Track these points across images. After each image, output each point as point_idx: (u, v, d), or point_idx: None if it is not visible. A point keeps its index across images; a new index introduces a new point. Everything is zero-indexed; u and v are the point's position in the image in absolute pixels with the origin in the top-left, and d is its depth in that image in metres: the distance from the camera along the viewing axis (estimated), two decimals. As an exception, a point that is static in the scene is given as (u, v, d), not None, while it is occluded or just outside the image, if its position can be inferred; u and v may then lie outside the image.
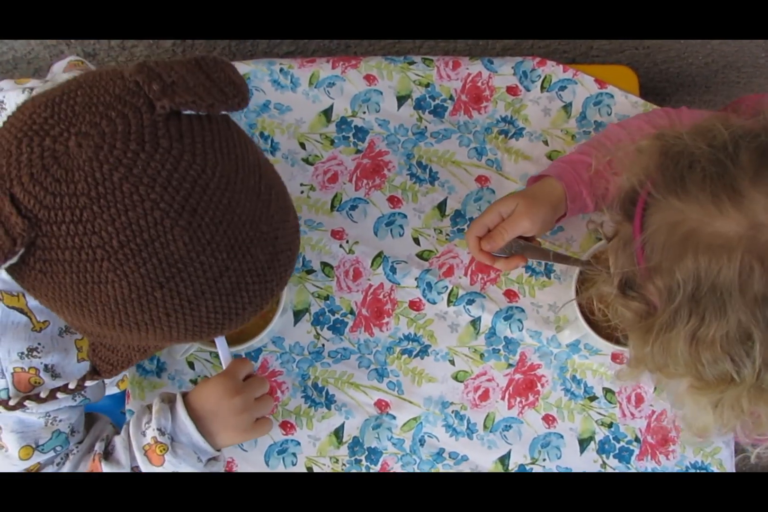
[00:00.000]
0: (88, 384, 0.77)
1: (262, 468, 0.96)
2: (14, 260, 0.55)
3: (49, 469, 0.81)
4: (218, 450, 0.84)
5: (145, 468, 0.80)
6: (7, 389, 0.75)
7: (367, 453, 0.96)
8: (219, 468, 0.85)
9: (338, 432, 0.96)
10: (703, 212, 0.62)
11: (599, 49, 1.24)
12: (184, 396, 0.84)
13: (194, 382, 0.97)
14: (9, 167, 0.55)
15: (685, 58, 1.26)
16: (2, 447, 0.78)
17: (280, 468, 0.96)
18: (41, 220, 0.54)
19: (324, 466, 0.96)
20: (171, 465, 0.79)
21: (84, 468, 0.82)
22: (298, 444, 0.96)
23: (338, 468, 0.96)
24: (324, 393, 0.97)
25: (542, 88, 1.05)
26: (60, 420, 0.80)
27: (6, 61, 1.16)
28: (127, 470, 0.80)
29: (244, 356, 0.97)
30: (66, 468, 0.82)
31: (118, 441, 0.82)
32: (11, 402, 0.74)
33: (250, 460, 0.96)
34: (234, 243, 0.57)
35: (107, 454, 0.82)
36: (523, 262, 0.93)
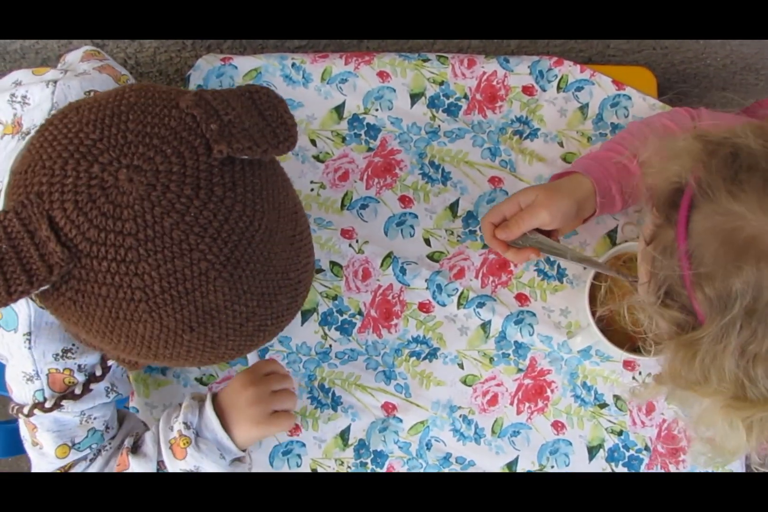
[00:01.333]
0: (110, 363, 0.76)
1: (266, 470, 0.95)
2: (46, 286, 0.54)
3: (81, 465, 0.81)
4: (243, 451, 0.83)
5: (169, 462, 0.79)
6: (43, 390, 0.74)
7: (372, 455, 0.95)
8: (244, 469, 0.84)
9: (344, 434, 0.95)
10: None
11: (616, 48, 1.22)
12: (215, 395, 0.84)
13: (199, 380, 0.96)
14: (50, 187, 0.53)
15: (703, 58, 1.24)
16: (37, 444, 0.78)
17: (285, 470, 0.95)
18: (81, 252, 0.52)
19: (329, 468, 0.95)
20: (193, 458, 0.79)
21: (114, 463, 0.82)
22: (303, 445, 0.95)
23: (343, 471, 0.95)
24: (330, 395, 0.96)
25: (558, 88, 1.04)
26: (95, 418, 0.79)
27: (14, 50, 1.15)
28: (154, 463, 0.80)
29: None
30: (97, 464, 0.81)
31: (148, 435, 0.82)
32: (47, 404, 0.74)
33: (254, 461, 0.93)
34: (265, 292, 0.57)
35: (136, 448, 0.82)
36: (535, 255, 0.90)
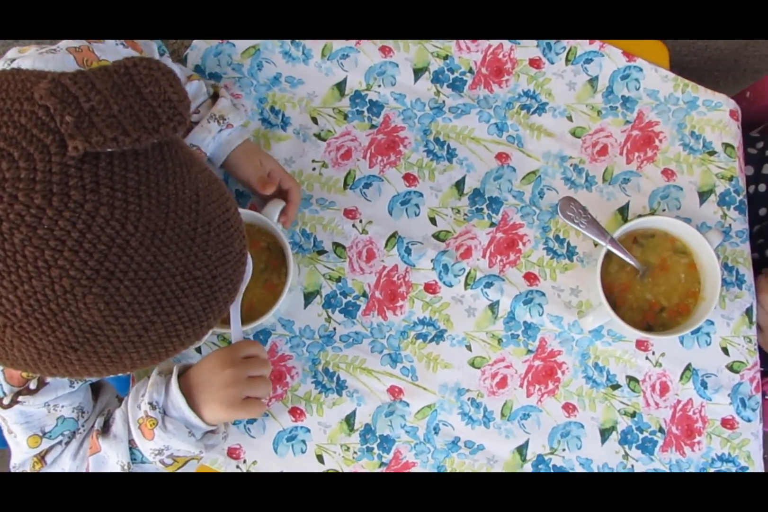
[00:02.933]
0: None
1: (270, 455, 0.92)
2: None
3: (57, 449, 0.79)
4: (214, 425, 0.81)
5: (139, 441, 0.77)
6: (1, 385, 0.73)
7: (379, 441, 0.93)
8: (217, 440, 0.81)
9: (350, 419, 0.93)
10: None
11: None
12: (187, 368, 0.81)
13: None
14: None
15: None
16: (12, 432, 0.77)
17: (289, 456, 0.93)
18: None
19: (335, 454, 0.93)
20: (161, 439, 0.76)
21: (88, 444, 0.80)
22: (308, 431, 0.93)
23: (349, 456, 0.93)
24: (335, 379, 0.94)
25: (567, 61, 1.01)
26: (62, 407, 0.78)
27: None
28: (125, 444, 0.77)
29: (252, 338, 0.94)
30: (72, 447, 0.80)
31: (118, 414, 0.80)
32: (5, 401, 0.72)
33: (258, 447, 0.93)
34: (161, 299, 0.50)
35: (107, 428, 0.80)
36: None
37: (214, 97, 0.93)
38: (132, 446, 0.78)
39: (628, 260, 0.90)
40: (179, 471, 0.80)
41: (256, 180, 0.91)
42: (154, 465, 0.79)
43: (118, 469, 0.78)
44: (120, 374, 0.58)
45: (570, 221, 0.90)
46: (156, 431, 0.76)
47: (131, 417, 0.78)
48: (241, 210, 0.87)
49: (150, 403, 0.76)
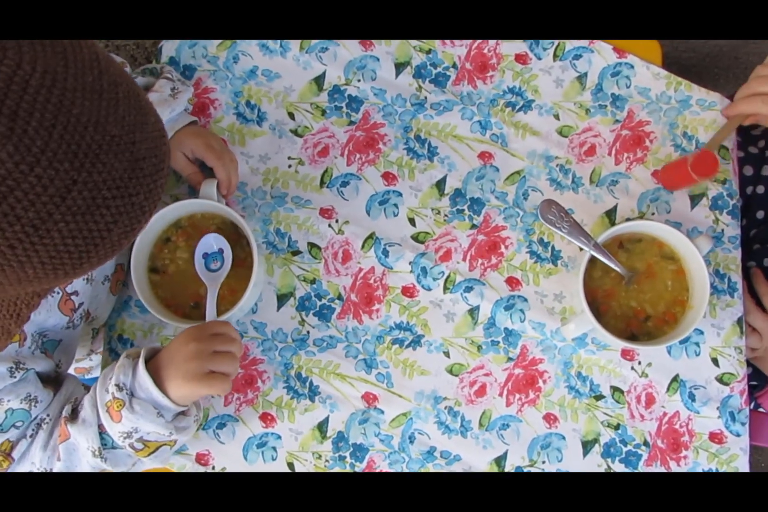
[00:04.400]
0: None
1: (239, 462, 0.90)
2: None
3: (23, 443, 0.77)
4: (184, 406, 0.79)
5: (107, 425, 0.76)
6: None
7: (352, 449, 0.90)
8: (188, 423, 0.80)
9: (322, 426, 0.90)
10: None
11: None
12: (157, 351, 0.80)
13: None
14: None
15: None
16: None
17: (259, 463, 0.90)
18: None
19: (306, 462, 0.90)
20: (128, 421, 0.75)
21: (57, 434, 0.78)
22: (279, 437, 0.90)
23: (321, 465, 0.90)
24: (308, 384, 0.91)
25: (555, 56, 0.96)
26: (8, 400, 0.75)
27: None
28: (94, 428, 0.76)
29: None
30: (40, 439, 0.78)
31: (87, 399, 0.79)
32: None
33: (227, 453, 0.90)
34: (77, 150, 0.47)
35: (75, 414, 0.78)
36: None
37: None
38: (102, 431, 0.77)
39: (612, 265, 0.86)
40: (151, 456, 0.79)
41: (187, 173, 0.91)
42: (124, 450, 0.77)
43: (89, 455, 0.76)
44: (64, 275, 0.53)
45: (551, 225, 0.86)
46: (123, 412, 0.75)
47: (99, 401, 0.77)
48: (180, 202, 0.87)
49: (117, 385, 0.75)
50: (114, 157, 0.50)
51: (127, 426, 0.75)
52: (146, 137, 0.53)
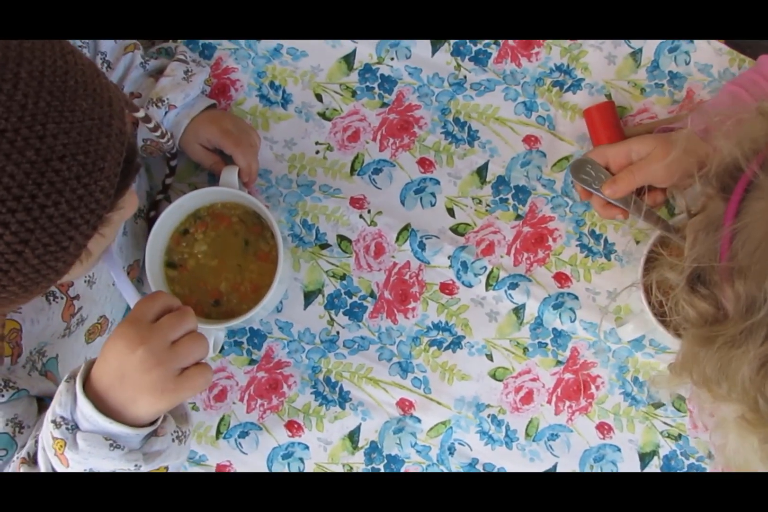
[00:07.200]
0: None
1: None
2: None
3: None
4: (148, 426, 0.62)
5: (61, 471, 0.62)
6: None
7: (386, 461, 0.86)
8: (164, 445, 0.63)
9: (353, 436, 0.87)
10: None
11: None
12: (93, 365, 0.63)
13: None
14: None
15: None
16: None
17: (285, 475, 0.84)
18: None
19: (335, 474, 0.85)
20: (76, 463, 0.60)
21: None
22: (307, 447, 0.87)
23: (352, 478, 0.84)
24: (337, 389, 0.87)
25: (607, 31, 0.90)
26: None
27: None
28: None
29: (245, 341, 0.87)
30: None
31: (39, 439, 0.64)
32: None
33: (250, 465, 0.87)
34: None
35: (36, 456, 0.65)
36: (622, 216, 0.82)
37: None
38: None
39: (672, 236, 0.77)
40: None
41: (209, 165, 0.87)
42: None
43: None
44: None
45: (588, 186, 0.79)
46: (67, 453, 0.60)
47: (46, 443, 0.63)
48: (198, 191, 0.81)
49: (54, 421, 0.61)
50: (4, 157, 0.43)
51: (77, 468, 0.60)
52: (66, 129, 0.46)
